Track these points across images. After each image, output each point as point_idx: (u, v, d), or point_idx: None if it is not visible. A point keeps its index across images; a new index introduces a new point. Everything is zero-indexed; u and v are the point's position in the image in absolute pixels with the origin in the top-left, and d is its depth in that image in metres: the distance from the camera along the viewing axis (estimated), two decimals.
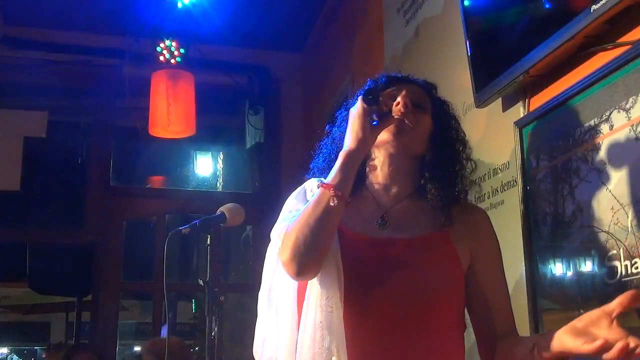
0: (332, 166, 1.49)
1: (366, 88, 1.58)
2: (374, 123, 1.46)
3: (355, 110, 1.46)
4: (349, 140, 1.45)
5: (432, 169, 1.56)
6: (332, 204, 1.39)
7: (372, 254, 1.48)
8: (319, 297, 1.43)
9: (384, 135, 1.51)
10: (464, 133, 1.66)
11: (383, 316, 1.42)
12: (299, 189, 1.63)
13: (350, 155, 1.44)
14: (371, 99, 1.47)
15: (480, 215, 1.62)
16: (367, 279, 1.45)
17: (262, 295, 1.59)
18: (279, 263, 1.48)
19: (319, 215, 1.40)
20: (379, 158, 1.58)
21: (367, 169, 1.61)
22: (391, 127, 1.51)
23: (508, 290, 1.57)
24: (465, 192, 1.61)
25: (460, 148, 1.62)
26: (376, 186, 1.59)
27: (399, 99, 1.54)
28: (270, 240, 1.59)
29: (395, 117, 1.51)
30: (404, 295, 1.43)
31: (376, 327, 1.42)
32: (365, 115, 1.45)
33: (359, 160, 1.46)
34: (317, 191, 1.44)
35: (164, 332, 4.50)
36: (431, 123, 1.58)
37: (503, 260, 1.60)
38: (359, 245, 1.50)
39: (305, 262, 1.40)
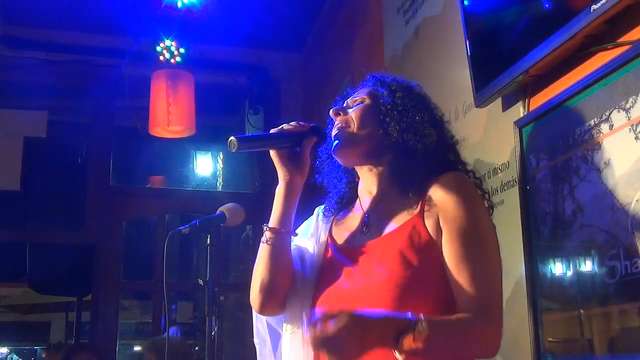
0: (330, 186, 1.65)
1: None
2: (298, 151, 1.55)
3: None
4: (278, 179, 1.57)
5: (389, 152, 1.53)
6: (263, 241, 1.54)
7: (351, 259, 1.49)
8: (286, 329, 1.54)
9: (334, 153, 1.57)
10: (422, 100, 1.58)
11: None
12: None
13: (277, 192, 1.57)
14: (241, 143, 1.49)
15: (448, 183, 1.45)
16: (338, 293, 1.46)
17: (254, 323, 1.69)
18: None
19: (260, 254, 1.55)
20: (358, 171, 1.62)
21: (359, 183, 1.63)
22: (333, 145, 1.55)
23: (479, 265, 1.38)
24: (438, 161, 1.51)
25: (417, 117, 1.52)
26: (363, 195, 1.60)
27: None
28: None
29: (324, 132, 1.58)
30: (377, 297, 1.39)
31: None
32: (278, 155, 1.55)
33: (290, 193, 1.56)
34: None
35: (172, 331, 4.51)
36: (373, 106, 1.56)
37: (502, 259, 1.45)
38: (338, 259, 1.52)
39: (261, 301, 1.54)
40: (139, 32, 4.33)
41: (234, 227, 2.10)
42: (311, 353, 1.47)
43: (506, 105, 2.17)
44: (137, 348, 9.46)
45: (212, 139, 6.18)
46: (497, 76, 2.03)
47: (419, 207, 1.46)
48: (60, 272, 4.97)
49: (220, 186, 6.77)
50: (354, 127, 1.54)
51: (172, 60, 4.25)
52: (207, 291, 1.94)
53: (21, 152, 4.51)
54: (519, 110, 2.08)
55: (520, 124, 2.03)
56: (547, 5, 1.82)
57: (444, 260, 1.40)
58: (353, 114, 1.56)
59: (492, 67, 2.07)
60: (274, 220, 1.55)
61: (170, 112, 4.21)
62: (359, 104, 1.58)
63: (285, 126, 1.55)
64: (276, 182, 1.59)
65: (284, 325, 1.55)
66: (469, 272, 1.37)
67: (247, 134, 1.54)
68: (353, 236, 1.55)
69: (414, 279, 1.38)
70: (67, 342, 7.75)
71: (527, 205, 1.97)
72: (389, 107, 1.54)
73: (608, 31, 1.66)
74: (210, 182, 7.12)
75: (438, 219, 1.43)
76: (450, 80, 2.50)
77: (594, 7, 1.58)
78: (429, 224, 1.43)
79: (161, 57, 4.24)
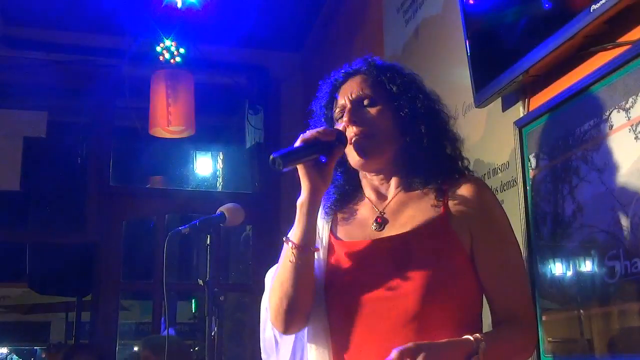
0: None
1: (279, 155, 1.39)
2: (323, 161, 1.44)
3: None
4: (302, 190, 1.46)
5: (409, 154, 1.49)
6: (291, 260, 1.43)
7: (369, 256, 1.45)
8: (311, 348, 1.48)
9: (353, 160, 1.50)
10: (434, 99, 1.55)
11: (384, 318, 1.39)
12: None
13: (302, 205, 1.45)
14: (285, 160, 1.38)
15: (473, 188, 1.47)
16: (363, 284, 1.42)
17: (261, 337, 1.63)
18: (268, 312, 1.54)
19: (286, 274, 1.45)
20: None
21: (361, 176, 1.58)
22: (351, 152, 1.48)
23: (516, 271, 1.45)
24: (455, 164, 1.52)
25: (439, 120, 1.52)
26: (370, 190, 1.56)
27: (344, 117, 1.50)
28: (268, 241, 1.60)
29: (348, 137, 1.47)
30: (402, 295, 1.38)
31: (378, 331, 1.39)
32: (305, 166, 1.43)
33: (315, 205, 1.45)
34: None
35: (170, 331, 4.51)
36: (388, 108, 1.50)
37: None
38: (352, 251, 1.47)
39: (287, 321, 1.46)
40: (139, 32, 4.33)
41: (234, 227, 2.10)
42: None
43: (506, 105, 2.17)
44: (136, 348, 9.46)
45: (212, 139, 6.19)
46: (497, 76, 2.03)
47: (442, 208, 1.44)
48: (60, 272, 4.97)
49: (220, 186, 6.77)
50: (377, 137, 1.48)
51: (171, 61, 4.25)
52: (207, 291, 1.94)
53: (21, 152, 4.51)
54: (518, 111, 2.09)
55: (520, 124, 2.03)
56: (547, 5, 1.82)
57: (474, 266, 1.42)
58: (372, 119, 1.48)
59: (492, 67, 2.07)
60: (299, 236, 1.44)
61: (170, 112, 4.21)
62: (370, 105, 1.50)
63: (315, 133, 1.43)
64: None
65: (309, 345, 1.48)
66: (510, 281, 1.43)
67: (284, 150, 1.41)
68: (368, 231, 1.50)
69: (442, 280, 1.38)
70: (67, 342, 7.76)
71: (527, 205, 1.97)
72: (407, 112, 1.49)
73: (608, 31, 1.66)
74: (210, 182, 7.12)
75: (465, 223, 1.43)
76: (450, 80, 2.50)
77: (593, 7, 1.58)
78: (456, 226, 1.43)
79: (161, 57, 4.24)
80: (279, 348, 1.57)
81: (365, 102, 1.51)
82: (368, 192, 1.56)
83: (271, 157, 1.37)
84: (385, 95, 1.51)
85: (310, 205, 1.44)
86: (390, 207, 1.51)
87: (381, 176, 1.54)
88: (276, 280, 1.47)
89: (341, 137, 1.46)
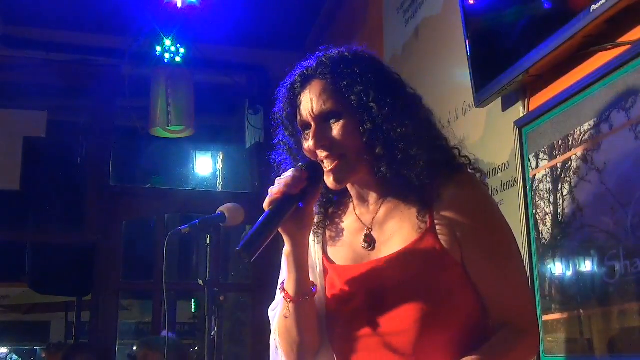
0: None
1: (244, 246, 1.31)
2: (300, 206, 1.37)
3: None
4: (285, 242, 1.41)
5: (381, 167, 1.38)
6: (286, 315, 1.41)
7: (364, 283, 1.40)
8: None
9: (329, 184, 1.41)
10: (397, 92, 1.41)
11: (387, 352, 1.35)
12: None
13: (288, 256, 1.41)
14: (252, 251, 1.29)
15: (458, 192, 1.37)
16: (362, 316, 1.38)
17: None
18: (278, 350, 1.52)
19: (288, 322, 1.43)
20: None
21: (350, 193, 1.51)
22: (330, 181, 1.40)
23: (511, 275, 1.36)
24: (434, 161, 1.38)
25: (415, 121, 1.39)
26: (354, 195, 1.49)
27: (310, 141, 1.41)
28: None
29: (318, 159, 1.40)
30: (403, 328, 1.34)
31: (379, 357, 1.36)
32: (288, 220, 1.36)
33: (302, 252, 1.40)
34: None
35: (164, 332, 4.52)
36: (353, 120, 1.38)
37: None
38: (346, 279, 1.43)
39: None
40: (139, 31, 4.33)
41: (234, 227, 2.09)
42: None
43: (506, 105, 2.17)
44: (135, 348, 9.46)
45: (212, 139, 6.19)
46: (497, 76, 2.03)
47: (428, 222, 1.36)
48: (60, 272, 4.97)
49: (220, 186, 6.78)
50: (347, 156, 1.39)
51: (172, 60, 4.26)
52: (207, 291, 1.94)
53: (21, 152, 4.51)
54: (518, 110, 2.09)
55: (520, 124, 2.03)
56: (547, 5, 1.83)
57: (468, 274, 1.36)
58: (339, 138, 1.38)
59: (492, 67, 2.07)
60: (293, 288, 1.40)
61: (170, 112, 4.22)
62: (334, 119, 1.39)
63: (283, 188, 1.36)
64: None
65: None
66: (505, 287, 1.36)
67: (247, 235, 1.32)
68: (357, 251, 1.44)
69: (439, 305, 1.34)
70: (66, 342, 7.76)
71: (527, 205, 1.97)
72: (369, 126, 1.37)
73: (608, 31, 1.66)
74: (210, 182, 7.13)
75: (453, 232, 1.35)
76: (450, 80, 2.50)
77: (593, 7, 1.58)
78: (444, 239, 1.35)
79: (161, 57, 4.25)
80: None
81: (330, 116, 1.40)
82: (353, 197, 1.50)
83: (237, 251, 1.30)
84: (346, 105, 1.39)
85: (296, 255, 1.40)
86: (376, 220, 1.44)
87: (363, 184, 1.46)
88: (282, 326, 1.45)
89: (314, 175, 1.39)
